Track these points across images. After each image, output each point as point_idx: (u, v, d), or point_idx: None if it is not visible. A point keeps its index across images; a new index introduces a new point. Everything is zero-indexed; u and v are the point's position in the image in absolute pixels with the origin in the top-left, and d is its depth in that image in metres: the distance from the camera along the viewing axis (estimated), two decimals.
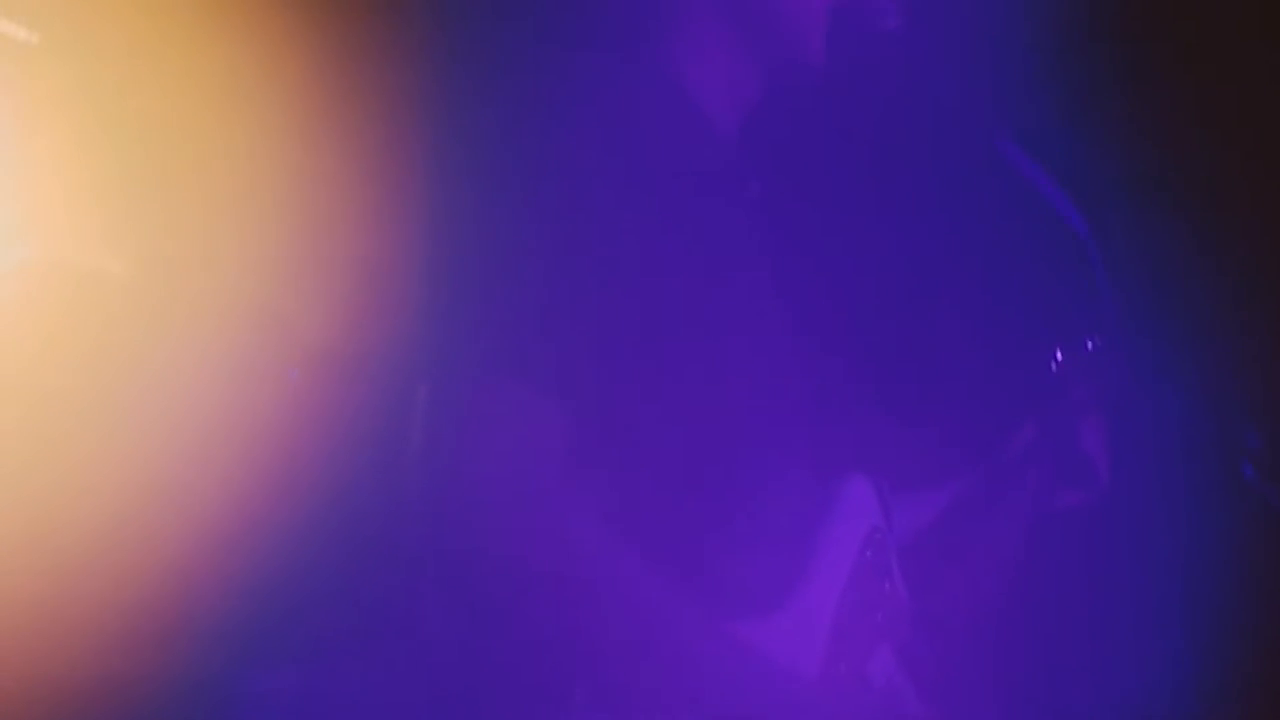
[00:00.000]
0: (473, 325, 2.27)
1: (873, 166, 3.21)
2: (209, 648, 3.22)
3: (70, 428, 3.13)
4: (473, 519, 2.20)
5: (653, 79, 2.44)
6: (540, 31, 2.72)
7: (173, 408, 3.18)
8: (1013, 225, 3.08)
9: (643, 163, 2.34)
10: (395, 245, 3.09)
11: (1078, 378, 2.75)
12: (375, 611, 3.22)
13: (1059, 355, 2.76)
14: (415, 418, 2.26)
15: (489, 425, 2.23)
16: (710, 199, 2.42)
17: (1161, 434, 3.06)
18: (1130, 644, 3.33)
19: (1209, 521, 3.16)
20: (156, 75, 3.22)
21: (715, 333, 2.38)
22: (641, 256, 2.31)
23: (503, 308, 2.26)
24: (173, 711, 3.23)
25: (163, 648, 3.19)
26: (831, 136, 3.01)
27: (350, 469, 3.22)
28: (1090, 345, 2.75)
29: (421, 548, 2.28)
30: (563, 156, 2.32)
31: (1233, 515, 3.00)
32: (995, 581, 2.69)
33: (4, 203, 3.17)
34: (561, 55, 2.44)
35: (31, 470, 3.09)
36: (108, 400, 3.15)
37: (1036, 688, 3.25)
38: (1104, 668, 3.36)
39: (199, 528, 3.16)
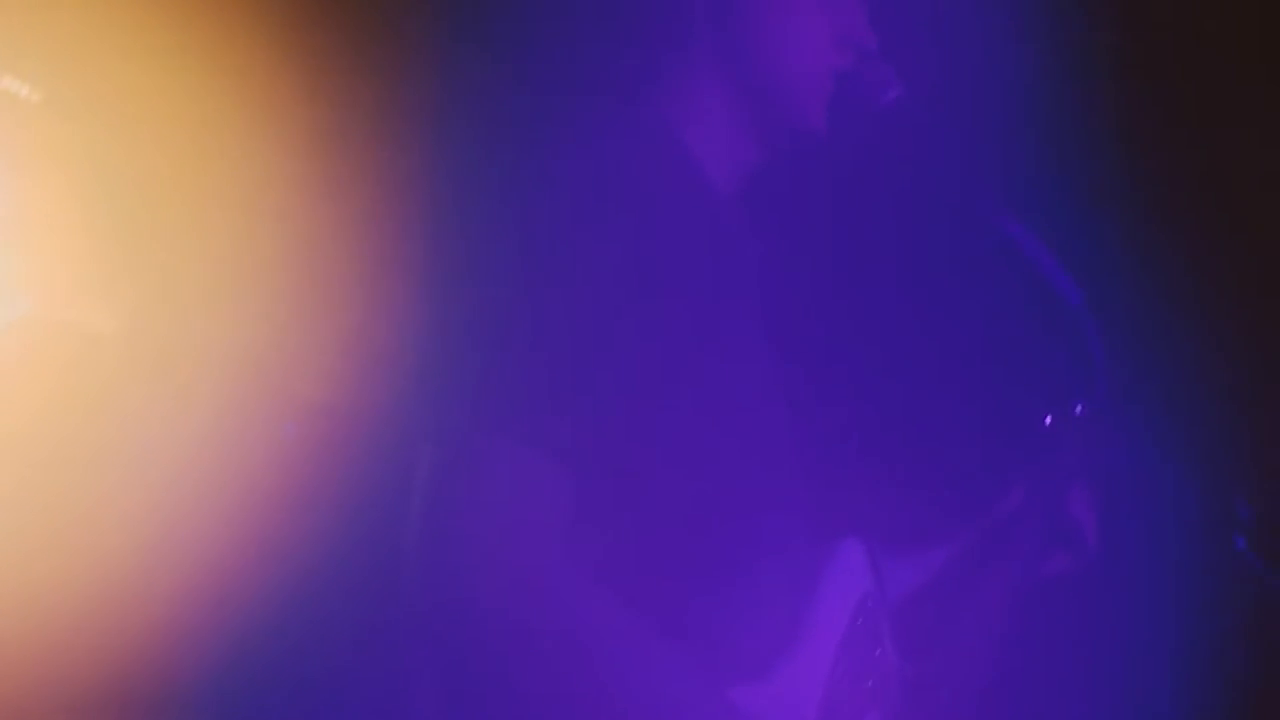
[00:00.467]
0: (469, 384, 2.27)
1: (869, 231, 3.23)
2: (201, 709, 3.21)
3: (65, 484, 3.13)
4: (466, 580, 2.21)
5: (652, 141, 2.45)
6: (540, 93, 2.73)
7: (168, 463, 3.18)
8: (1005, 291, 3.10)
9: (641, 224, 2.35)
10: (394, 302, 3.10)
11: (1067, 442, 2.76)
12: (365, 672, 3.22)
13: (1048, 420, 2.77)
14: (411, 476, 2.26)
15: (484, 486, 2.23)
16: (708, 261, 2.42)
17: (1151, 500, 3.08)
18: (1118, 708, 3.34)
19: (1197, 588, 3.17)
20: (155, 132, 3.23)
21: (709, 396, 2.38)
22: (638, 317, 2.31)
23: (500, 367, 2.27)
24: None
25: (154, 709, 3.18)
26: (829, 202, 3.02)
27: (344, 526, 3.22)
28: (1080, 410, 2.76)
29: (414, 608, 2.27)
30: (561, 219, 2.33)
31: (1222, 583, 3.01)
32: (984, 646, 2.69)
33: (1, 259, 3.17)
34: (561, 116, 2.45)
35: (27, 525, 3.08)
36: (103, 456, 3.15)
37: None
38: None
39: (192, 585, 3.15)
